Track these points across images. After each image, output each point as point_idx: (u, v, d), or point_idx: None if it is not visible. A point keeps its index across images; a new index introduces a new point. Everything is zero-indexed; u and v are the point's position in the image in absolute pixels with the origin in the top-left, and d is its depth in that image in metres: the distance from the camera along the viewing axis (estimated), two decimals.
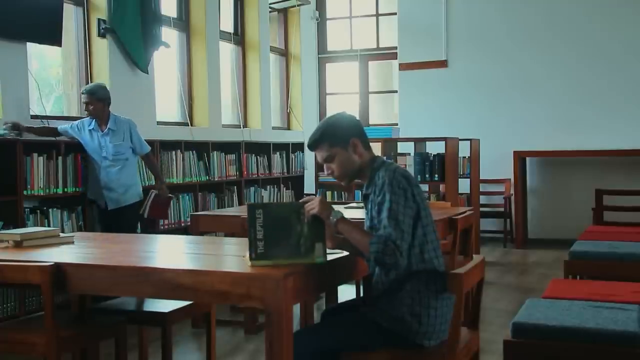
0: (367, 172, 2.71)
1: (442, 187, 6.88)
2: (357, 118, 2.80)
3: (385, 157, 2.88)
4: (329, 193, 7.79)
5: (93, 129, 5.12)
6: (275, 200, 7.82)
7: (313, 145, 2.73)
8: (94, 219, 5.28)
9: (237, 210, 5.12)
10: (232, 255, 2.93)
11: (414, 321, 2.55)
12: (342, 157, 2.68)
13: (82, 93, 5.12)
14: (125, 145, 5.18)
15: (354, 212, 4.33)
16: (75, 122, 5.20)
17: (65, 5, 5.45)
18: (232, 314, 5.02)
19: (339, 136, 2.67)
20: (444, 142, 6.69)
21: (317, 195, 2.65)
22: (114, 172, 5.11)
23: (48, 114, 5.40)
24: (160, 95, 6.79)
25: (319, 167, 7.21)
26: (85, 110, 5.10)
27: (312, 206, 2.50)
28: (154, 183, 5.62)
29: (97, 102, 5.05)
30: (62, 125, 5.19)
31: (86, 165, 5.18)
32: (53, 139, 5.09)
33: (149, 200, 5.35)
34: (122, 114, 5.30)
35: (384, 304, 2.61)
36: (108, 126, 5.12)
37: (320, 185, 7.72)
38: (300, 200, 2.57)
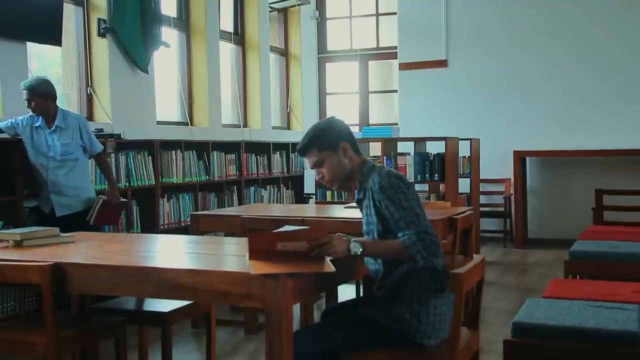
0: (357, 177, 2.72)
1: (442, 187, 6.87)
2: (347, 123, 2.80)
3: (374, 161, 2.86)
4: (328, 193, 7.77)
5: (40, 126, 4.62)
6: (275, 201, 7.82)
7: (302, 151, 2.73)
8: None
9: (237, 210, 5.12)
10: (232, 255, 2.92)
11: (414, 320, 2.55)
12: (332, 161, 2.69)
13: (22, 89, 4.57)
14: (75, 144, 4.68)
15: (353, 212, 4.34)
16: (20, 117, 4.68)
17: (65, 5, 5.45)
18: (232, 314, 5.02)
19: (328, 140, 2.68)
20: (443, 141, 6.68)
21: (324, 236, 2.55)
22: (62, 174, 4.62)
23: None
24: (160, 95, 6.79)
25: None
26: (28, 107, 4.59)
27: (332, 250, 2.45)
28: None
29: (39, 98, 4.54)
30: (2, 123, 4.71)
31: (28, 167, 4.67)
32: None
33: (96, 207, 4.77)
34: (122, 113, 5.24)
35: (383, 303, 2.62)
36: (55, 123, 4.62)
37: (319, 186, 7.71)
38: (311, 238, 2.48)
